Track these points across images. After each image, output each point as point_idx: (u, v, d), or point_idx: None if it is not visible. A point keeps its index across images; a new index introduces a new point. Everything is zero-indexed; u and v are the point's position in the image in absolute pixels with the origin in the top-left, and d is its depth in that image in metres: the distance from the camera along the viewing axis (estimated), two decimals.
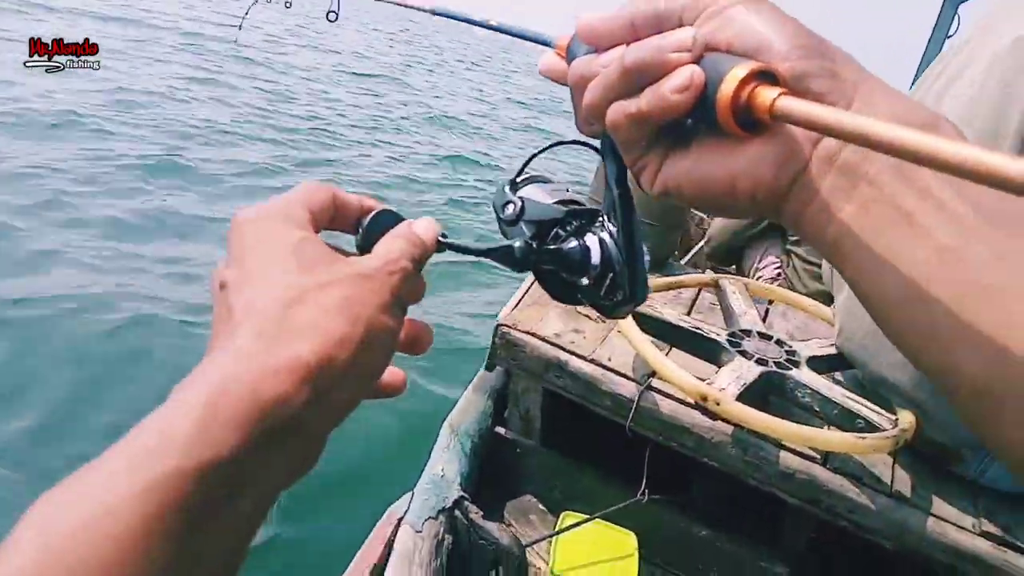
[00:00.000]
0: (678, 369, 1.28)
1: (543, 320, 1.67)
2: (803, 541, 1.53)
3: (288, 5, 1.50)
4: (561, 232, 0.46)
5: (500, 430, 1.70)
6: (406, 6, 0.80)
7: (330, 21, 1.22)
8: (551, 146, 0.60)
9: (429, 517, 1.27)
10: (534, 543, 1.47)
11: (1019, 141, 0.85)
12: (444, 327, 3.63)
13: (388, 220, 0.41)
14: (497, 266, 0.47)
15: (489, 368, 1.70)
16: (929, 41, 4.90)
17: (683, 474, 1.56)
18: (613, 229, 0.44)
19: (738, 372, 1.34)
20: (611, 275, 0.44)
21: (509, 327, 1.62)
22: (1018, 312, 0.27)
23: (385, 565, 1.13)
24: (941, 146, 0.22)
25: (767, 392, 1.45)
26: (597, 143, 0.44)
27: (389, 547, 1.16)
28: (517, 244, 0.44)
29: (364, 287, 0.33)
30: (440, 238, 0.41)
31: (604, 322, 1.72)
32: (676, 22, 0.34)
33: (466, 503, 1.35)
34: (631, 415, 1.42)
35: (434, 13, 0.72)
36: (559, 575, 1.36)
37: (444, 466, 1.43)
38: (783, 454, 1.35)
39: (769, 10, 0.33)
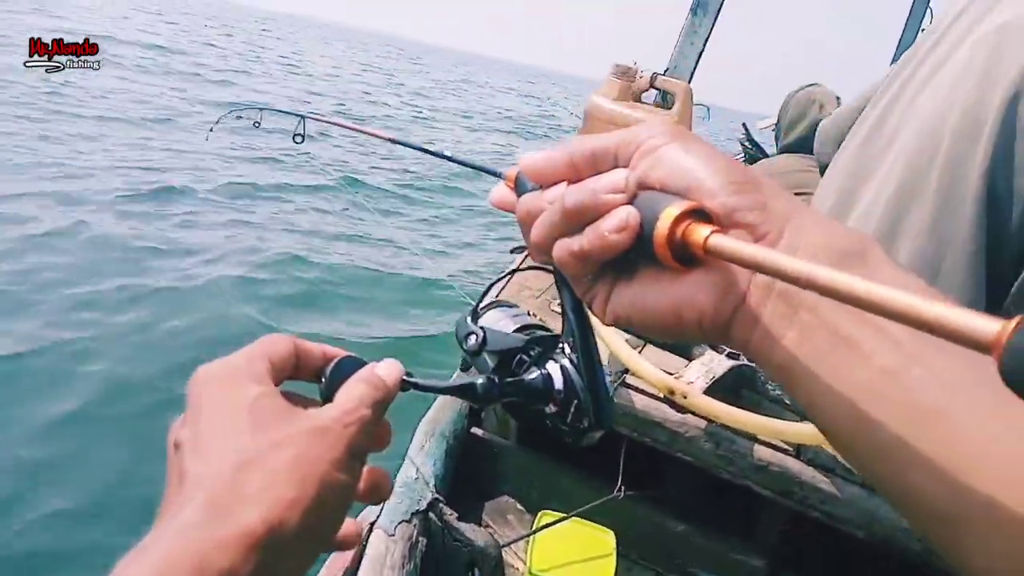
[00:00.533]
0: (647, 364, 1.28)
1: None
2: (777, 532, 1.54)
3: (257, 124, 1.53)
4: (525, 358, 0.47)
5: (476, 431, 1.70)
6: (367, 134, 0.84)
7: (296, 143, 1.25)
8: (511, 272, 0.62)
9: (402, 520, 1.26)
10: (511, 543, 1.47)
11: (998, 128, 0.85)
12: (421, 319, 3.62)
13: (351, 367, 0.40)
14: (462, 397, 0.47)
15: (464, 368, 1.70)
16: (903, 35, 4.95)
17: (658, 470, 1.57)
18: (574, 356, 0.45)
19: (708, 366, 1.34)
20: (575, 402, 0.45)
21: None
22: (963, 434, 0.27)
23: (356, 570, 1.12)
24: (855, 285, 0.24)
25: (739, 386, 1.45)
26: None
27: (361, 552, 1.16)
28: (480, 381, 0.45)
29: (318, 443, 0.33)
30: (405, 378, 0.42)
31: None
32: (612, 160, 0.35)
33: (441, 505, 1.35)
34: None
35: (394, 142, 0.76)
36: (537, 574, 1.36)
37: (419, 468, 1.42)
38: (756, 447, 1.36)
39: (699, 148, 0.34)
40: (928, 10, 4.71)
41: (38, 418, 2.35)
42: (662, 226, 0.31)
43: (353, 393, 0.37)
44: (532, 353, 0.48)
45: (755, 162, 2.89)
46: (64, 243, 3.57)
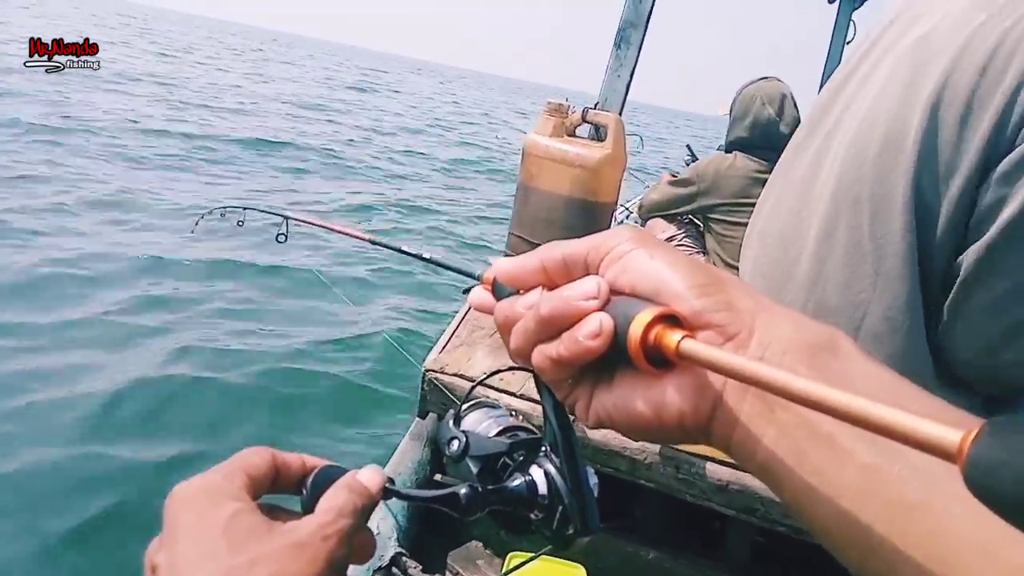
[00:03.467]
0: None
1: (471, 361, 1.66)
2: (747, 551, 1.54)
3: (240, 223, 1.56)
4: (509, 462, 0.47)
5: (439, 477, 1.67)
6: (347, 235, 0.86)
7: (279, 243, 1.28)
8: (492, 374, 0.63)
9: None
10: None
11: (921, 137, 0.88)
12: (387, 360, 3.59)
13: (331, 476, 0.40)
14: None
15: (421, 415, 1.68)
16: (830, 47, 5.16)
17: (623, 500, 1.56)
18: (557, 459, 0.45)
19: None
20: (560, 507, 0.45)
21: (436, 372, 1.61)
22: (947, 528, 0.28)
23: None
24: (827, 394, 0.25)
25: None
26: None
27: None
28: (462, 491, 0.45)
29: (297, 560, 0.33)
30: (387, 485, 0.41)
31: None
32: (583, 266, 0.36)
33: (404, 559, 1.32)
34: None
35: (372, 243, 0.77)
36: None
37: (379, 523, 1.40)
38: (713, 467, 1.37)
39: (663, 254, 0.35)
40: (851, 23, 4.91)
41: None
42: (635, 332, 0.32)
43: (334, 502, 0.37)
44: (516, 457, 0.47)
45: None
46: None
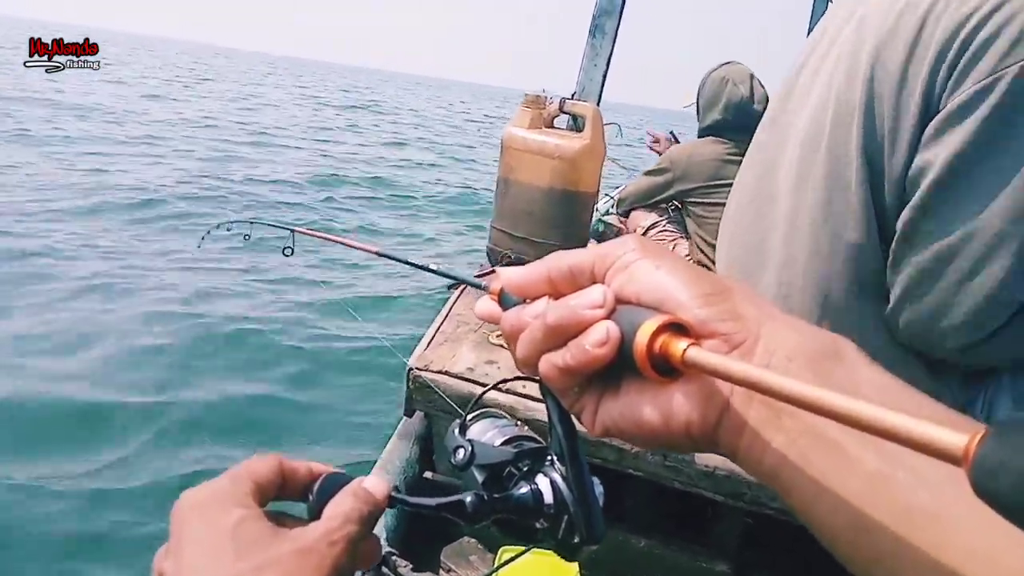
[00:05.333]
0: None
1: (455, 357, 1.66)
2: (737, 535, 1.54)
3: (247, 238, 1.57)
4: (514, 471, 0.47)
5: (429, 475, 1.67)
6: (355, 247, 0.87)
7: (285, 256, 1.28)
8: (499, 383, 0.64)
9: None
10: None
11: (863, 109, 0.90)
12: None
13: (337, 483, 0.41)
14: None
15: (408, 413, 1.68)
16: (809, 33, 5.17)
17: (612, 489, 1.57)
18: (563, 468, 0.46)
19: None
20: (566, 516, 0.45)
21: (421, 369, 1.60)
22: (952, 535, 0.28)
23: None
24: (832, 399, 0.25)
25: None
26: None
27: None
28: (468, 499, 0.45)
29: (302, 565, 0.33)
30: (392, 493, 0.42)
31: None
32: (588, 275, 0.37)
33: (394, 559, 1.32)
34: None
35: (379, 255, 0.78)
36: None
37: None
38: (700, 453, 1.37)
39: (669, 263, 0.35)
40: (828, 7, 4.92)
41: None
42: (640, 341, 0.32)
43: (339, 509, 0.37)
44: (521, 467, 0.47)
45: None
46: None
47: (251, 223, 1.56)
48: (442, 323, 1.86)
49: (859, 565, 0.32)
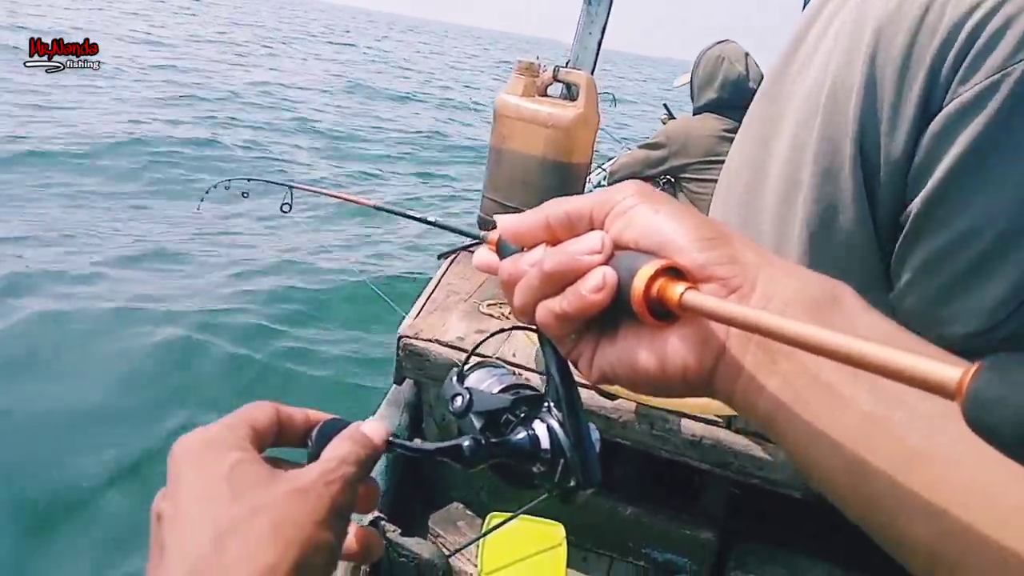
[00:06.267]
0: None
1: (445, 326, 1.66)
2: (723, 504, 1.57)
3: (245, 195, 1.60)
4: (511, 418, 0.47)
5: (418, 442, 1.68)
6: (352, 201, 0.88)
7: (284, 212, 1.28)
8: (496, 333, 0.65)
9: None
10: (459, 550, 1.46)
11: (862, 92, 0.89)
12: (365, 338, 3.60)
13: (335, 428, 0.41)
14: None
15: (398, 381, 1.68)
16: (804, 5, 5.12)
17: (600, 457, 1.58)
18: (559, 415, 0.46)
19: None
20: (562, 461, 0.45)
21: (411, 337, 1.60)
22: (948, 476, 0.28)
23: None
24: (822, 336, 0.25)
25: None
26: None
27: None
28: (466, 443, 0.45)
29: (299, 505, 0.33)
30: (391, 439, 0.42)
31: (509, 318, 1.72)
32: (587, 221, 0.37)
33: (382, 523, 1.33)
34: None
35: (377, 208, 0.79)
36: None
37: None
38: (687, 423, 1.38)
39: (668, 208, 0.35)
40: None
41: None
42: (638, 284, 0.32)
43: (337, 451, 0.37)
44: (518, 413, 0.48)
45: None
46: None
47: (249, 180, 1.57)
48: (432, 291, 1.86)
49: (856, 508, 0.32)
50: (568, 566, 1.42)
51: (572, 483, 0.46)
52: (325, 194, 0.96)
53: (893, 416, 0.29)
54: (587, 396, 1.41)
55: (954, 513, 0.27)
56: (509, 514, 1.48)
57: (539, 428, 0.46)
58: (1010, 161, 0.80)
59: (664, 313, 0.33)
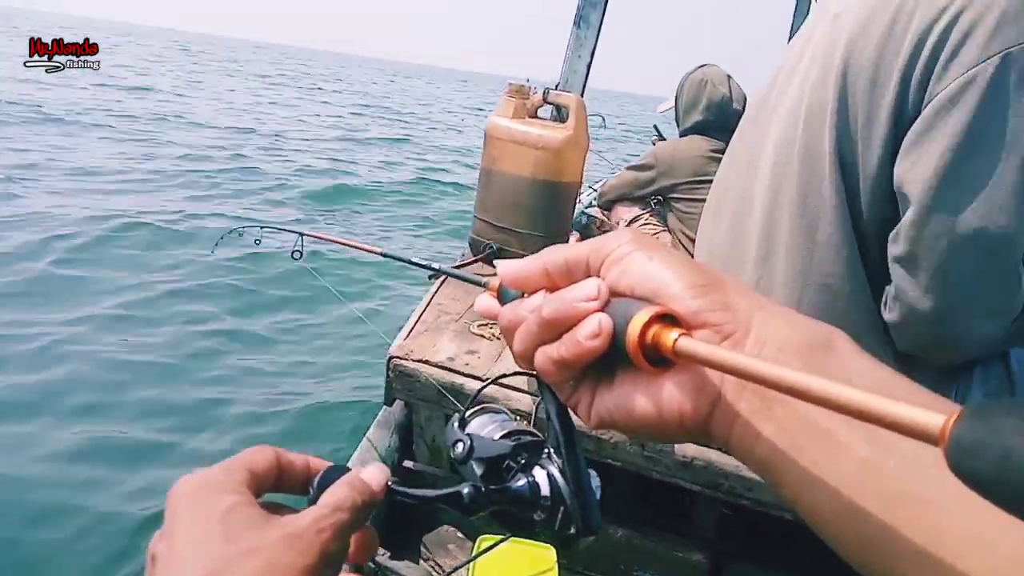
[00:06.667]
0: None
1: (436, 346, 1.65)
2: (713, 526, 1.56)
3: (258, 242, 1.65)
4: (512, 464, 0.48)
5: (408, 463, 1.67)
6: (361, 249, 0.90)
7: (294, 259, 1.30)
8: (498, 378, 0.65)
9: None
10: (450, 573, 1.45)
11: (836, 105, 0.91)
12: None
13: (336, 475, 0.40)
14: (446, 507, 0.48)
15: (388, 403, 1.67)
16: (791, 32, 5.22)
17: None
18: (560, 461, 0.47)
19: None
20: (562, 508, 0.46)
21: (401, 358, 1.60)
22: (944, 521, 0.28)
23: None
24: (817, 384, 0.26)
25: None
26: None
27: None
28: (465, 490, 0.46)
29: (289, 551, 0.34)
30: (390, 484, 0.42)
31: (499, 339, 1.72)
32: (584, 268, 0.37)
33: None
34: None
35: (383, 256, 0.82)
36: None
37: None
38: (678, 444, 1.38)
39: (662, 256, 0.36)
40: (810, 6, 4.97)
41: None
42: (633, 331, 0.33)
43: (332, 497, 0.38)
44: (519, 460, 0.48)
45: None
46: None
47: (261, 228, 1.61)
48: (423, 312, 1.85)
49: (851, 551, 0.32)
50: None
51: (572, 531, 0.46)
52: (334, 241, 0.98)
53: (888, 463, 0.30)
54: (577, 419, 1.41)
55: (948, 561, 0.28)
56: (500, 537, 1.46)
57: (539, 475, 0.47)
58: (995, 154, 0.80)
59: (659, 359, 0.33)
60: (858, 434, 0.30)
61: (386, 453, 1.65)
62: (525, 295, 0.40)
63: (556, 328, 0.36)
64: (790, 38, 5.12)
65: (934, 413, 0.22)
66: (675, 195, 2.64)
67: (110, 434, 2.67)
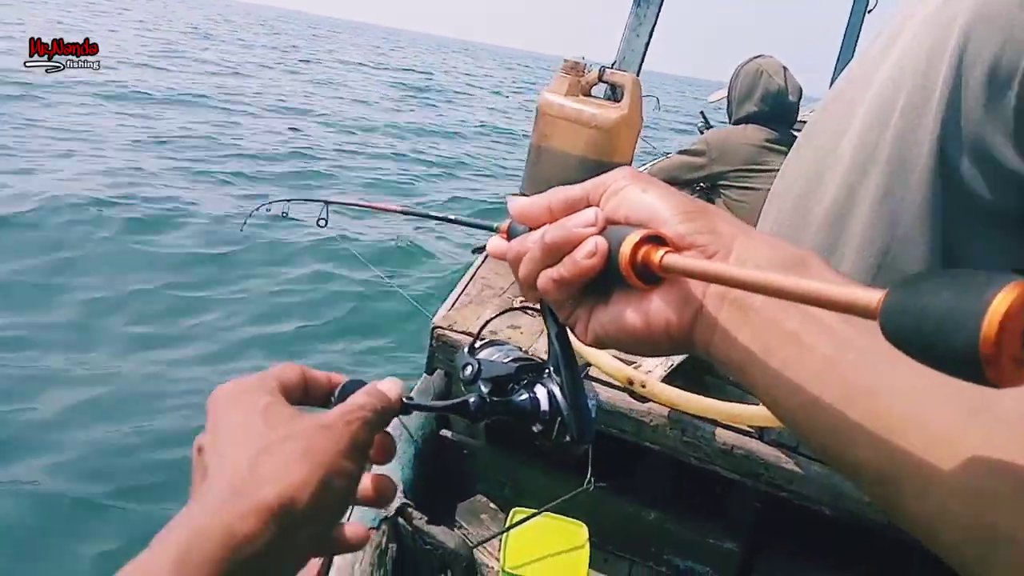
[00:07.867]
0: (606, 355, 1.29)
1: (480, 318, 1.66)
2: (749, 515, 1.55)
3: (285, 214, 1.75)
4: (516, 386, 0.53)
5: (446, 433, 1.69)
6: (381, 209, 0.94)
7: (320, 227, 1.37)
8: (505, 311, 0.68)
9: (370, 527, 1.25)
10: (483, 542, 1.47)
11: (947, 96, 0.85)
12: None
13: (356, 387, 0.45)
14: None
15: (429, 371, 1.69)
16: (850, 16, 5.08)
17: (628, 460, 1.57)
18: (559, 379, 0.51)
19: None
20: (559, 420, 0.51)
21: (444, 329, 1.61)
22: (890, 407, 0.32)
23: None
24: (769, 278, 0.30)
25: (701, 372, 1.47)
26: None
27: (329, 561, 1.14)
28: (472, 399, 0.51)
29: (324, 436, 0.38)
30: (405, 399, 0.45)
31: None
32: (584, 204, 0.41)
33: (409, 510, 1.34)
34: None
35: (403, 213, 0.86)
36: (511, 572, 1.36)
37: (386, 474, 1.41)
38: (719, 431, 1.37)
39: (655, 188, 0.40)
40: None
41: None
42: (624, 250, 0.37)
43: (355, 400, 0.42)
44: (522, 379, 0.53)
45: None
46: None
47: (288, 201, 1.68)
48: (467, 285, 1.86)
49: (816, 442, 0.36)
50: (589, 567, 1.41)
51: (567, 439, 0.51)
52: (356, 204, 1.00)
53: (847, 358, 0.33)
54: (620, 399, 1.41)
55: (893, 440, 0.32)
56: (533, 510, 1.48)
57: (540, 392, 0.52)
58: None
59: (649, 276, 0.37)
60: (821, 334, 0.34)
61: (424, 421, 1.67)
62: (531, 230, 0.44)
63: (557, 252, 0.40)
64: (848, 26, 4.98)
65: (871, 290, 0.25)
66: (725, 182, 2.60)
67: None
